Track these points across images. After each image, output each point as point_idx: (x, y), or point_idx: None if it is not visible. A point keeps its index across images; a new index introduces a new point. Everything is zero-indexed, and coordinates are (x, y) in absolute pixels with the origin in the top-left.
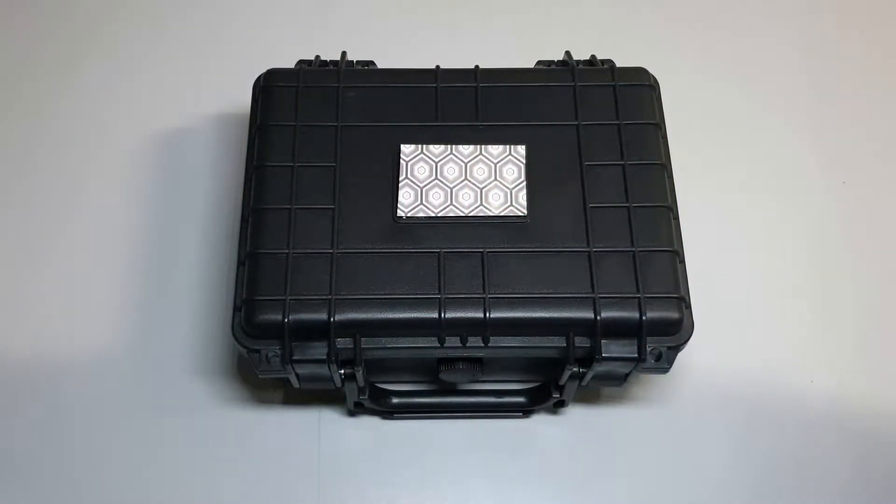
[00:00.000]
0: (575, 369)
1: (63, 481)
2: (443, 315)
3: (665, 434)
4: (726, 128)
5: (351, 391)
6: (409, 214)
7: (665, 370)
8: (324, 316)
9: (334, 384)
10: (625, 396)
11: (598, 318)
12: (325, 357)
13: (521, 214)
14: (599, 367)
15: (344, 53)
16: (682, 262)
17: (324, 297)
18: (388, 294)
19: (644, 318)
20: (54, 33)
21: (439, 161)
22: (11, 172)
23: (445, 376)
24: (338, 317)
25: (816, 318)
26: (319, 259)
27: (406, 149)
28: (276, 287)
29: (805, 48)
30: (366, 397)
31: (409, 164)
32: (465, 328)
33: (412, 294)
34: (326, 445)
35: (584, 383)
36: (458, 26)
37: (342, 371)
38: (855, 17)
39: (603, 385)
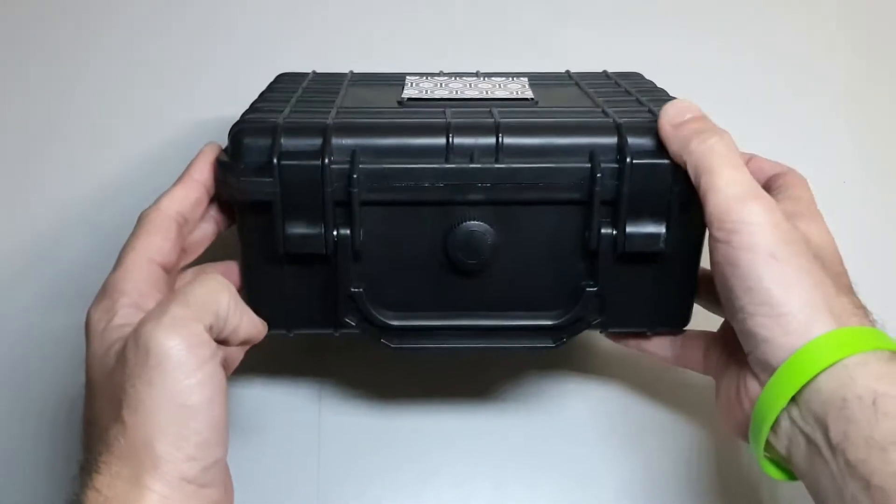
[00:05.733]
0: (606, 229)
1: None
2: (451, 140)
3: (673, 430)
4: (726, 127)
5: (343, 269)
6: (413, 97)
7: None
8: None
9: (324, 234)
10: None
11: (623, 134)
12: (318, 150)
13: (530, 97)
14: (631, 182)
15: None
16: None
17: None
18: (392, 119)
19: None
20: (55, 33)
21: (444, 80)
22: (10, 176)
23: (452, 244)
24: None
25: None
26: (321, 111)
27: (410, 77)
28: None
29: (804, 48)
30: (361, 290)
31: (414, 82)
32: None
33: (416, 120)
34: (327, 445)
35: (620, 248)
36: (461, 27)
37: (336, 232)
38: (853, 16)
39: (642, 248)
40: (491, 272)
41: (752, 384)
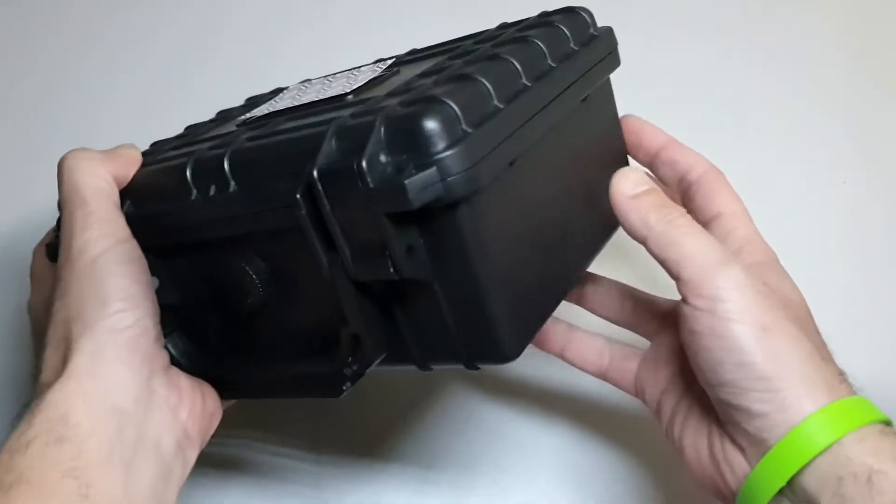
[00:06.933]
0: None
1: None
2: (188, 175)
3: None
4: (724, 126)
5: None
6: (256, 115)
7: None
8: None
9: None
10: None
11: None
12: None
13: (344, 92)
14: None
15: None
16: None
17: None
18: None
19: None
20: (54, 32)
21: (316, 86)
22: (8, 179)
23: (226, 286)
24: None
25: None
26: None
27: (293, 87)
28: None
29: (803, 47)
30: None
31: (290, 92)
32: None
33: (171, 157)
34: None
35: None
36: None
37: None
38: (853, 15)
39: (371, 277)
40: (273, 316)
41: (735, 457)
